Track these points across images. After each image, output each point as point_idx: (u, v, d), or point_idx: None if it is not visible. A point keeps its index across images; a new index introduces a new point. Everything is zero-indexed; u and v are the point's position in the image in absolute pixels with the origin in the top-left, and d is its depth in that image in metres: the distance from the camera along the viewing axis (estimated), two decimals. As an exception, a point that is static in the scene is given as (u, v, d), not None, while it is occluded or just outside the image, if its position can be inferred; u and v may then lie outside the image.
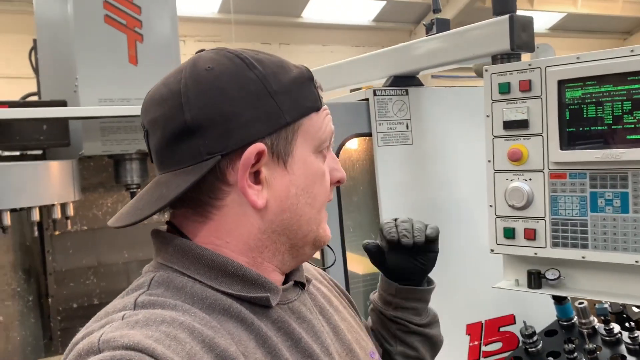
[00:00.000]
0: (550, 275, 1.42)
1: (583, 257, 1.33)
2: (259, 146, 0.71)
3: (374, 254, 1.12)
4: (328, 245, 0.99)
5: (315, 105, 0.78)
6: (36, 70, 2.38)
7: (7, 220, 1.79)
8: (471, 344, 1.83)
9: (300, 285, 0.83)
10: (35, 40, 2.35)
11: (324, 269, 1.02)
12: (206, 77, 0.71)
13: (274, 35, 9.46)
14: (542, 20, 11.30)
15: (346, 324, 0.88)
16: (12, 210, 1.83)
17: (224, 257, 0.73)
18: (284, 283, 0.81)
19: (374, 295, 1.16)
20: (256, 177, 0.73)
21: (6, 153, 2.41)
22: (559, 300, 1.76)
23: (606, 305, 1.68)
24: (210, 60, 0.73)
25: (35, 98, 2.43)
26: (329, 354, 0.78)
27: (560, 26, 11.58)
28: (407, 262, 1.07)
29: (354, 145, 1.87)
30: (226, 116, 0.70)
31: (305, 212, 0.76)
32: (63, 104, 1.99)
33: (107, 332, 0.60)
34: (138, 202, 0.74)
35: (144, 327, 0.61)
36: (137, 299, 0.67)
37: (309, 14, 9.71)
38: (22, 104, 1.98)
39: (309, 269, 0.93)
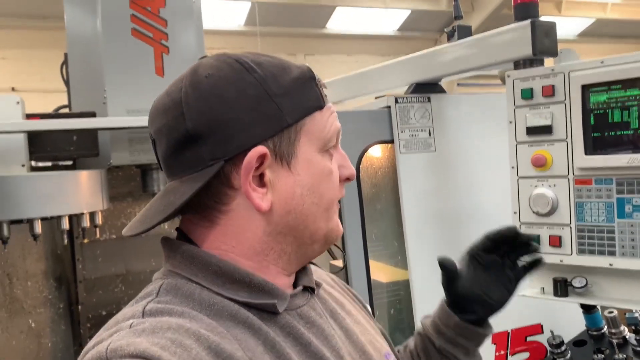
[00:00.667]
0: (576, 283, 1.39)
1: (610, 265, 1.31)
2: (260, 149, 0.71)
3: (450, 272, 1.02)
4: (339, 248, 1.01)
5: (317, 104, 0.77)
6: (67, 83, 2.45)
7: (39, 228, 1.84)
8: (497, 354, 1.80)
9: (310, 289, 0.83)
10: (66, 55, 2.41)
11: (336, 273, 1.02)
12: (205, 84, 0.72)
13: (299, 47, 9.54)
14: (571, 27, 11.12)
15: (359, 327, 0.87)
16: (43, 219, 1.88)
17: (230, 264, 0.73)
18: (295, 286, 0.81)
19: (426, 320, 1.06)
20: (260, 180, 0.73)
21: (39, 164, 2.48)
22: (587, 309, 1.71)
23: (637, 314, 1.63)
24: (210, 67, 0.74)
25: (66, 110, 2.50)
26: (340, 356, 0.77)
27: (590, 32, 11.38)
28: (487, 285, 0.99)
29: (377, 152, 1.88)
30: (226, 121, 0.71)
31: (312, 212, 0.76)
32: (92, 115, 2.04)
33: (115, 341, 0.62)
34: (148, 210, 0.76)
35: (150, 334, 0.62)
36: (145, 307, 0.68)
37: (334, 25, 9.76)
38: (53, 115, 2.04)
39: (320, 274, 0.93)
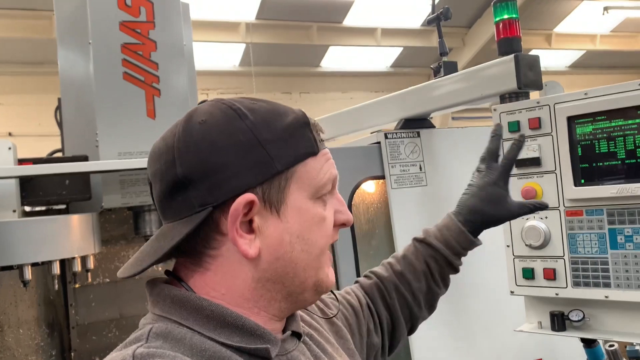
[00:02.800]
0: (574, 316, 1.37)
1: (606, 297, 1.29)
2: (247, 196, 0.71)
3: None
4: (332, 292, 0.99)
5: (310, 151, 0.76)
6: (60, 127, 2.47)
7: (29, 274, 1.82)
8: (498, 391, 1.75)
9: (297, 334, 0.82)
10: (59, 99, 2.44)
11: (328, 318, 0.99)
12: (197, 130, 0.73)
13: (294, 85, 9.67)
14: (562, 59, 11.32)
15: None
16: (34, 265, 1.85)
17: (223, 307, 0.72)
18: (283, 331, 0.80)
19: (434, 239, 1.11)
20: (249, 226, 0.73)
21: (34, 209, 2.47)
22: (588, 343, 1.68)
23: (637, 347, 1.60)
24: (204, 113, 0.75)
25: (60, 154, 2.50)
26: None
27: (580, 63, 11.57)
28: (494, 202, 1.09)
29: (369, 188, 1.87)
30: (216, 168, 0.71)
31: (302, 259, 0.75)
32: (84, 158, 2.05)
33: None
34: (141, 253, 0.76)
35: None
36: (135, 351, 0.66)
37: (328, 63, 9.92)
38: (45, 160, 2.04)
39: (304, 316, 0.91)
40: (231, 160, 0.71)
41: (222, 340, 0.70)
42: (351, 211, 1.74)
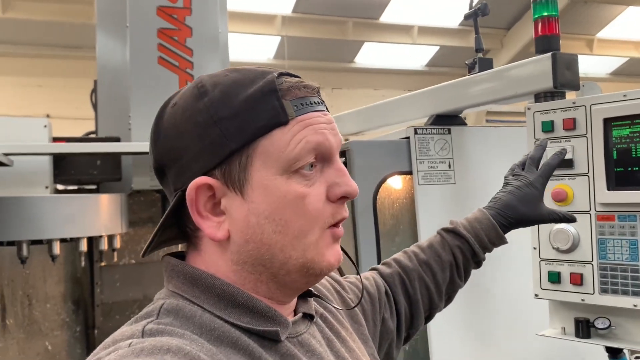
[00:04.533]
0: (599, 324, 1.33)
1: (635, 306, 1.25)
2: (199, 180, 0.68)
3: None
4: (359, 275, 0.97)
5: (275, 121, 0.69)
6: (95, 109, 2.52)
7: (57, 249, 1.86)
8: (517, 397, 1.72)
9: (309, 316, 0.80)
10: (95, 82, 2.49)
11: (347, 309, 0.96)
12: (168, 115, 0.72)
13: (326, 80, 9.65)
14: (603, 65, 11.02)
15: (354, 355, 0.84)
16: (62, 240, 1.90)
17: (234, 287, 0.70)
18: (295, 312, 0.79)
19: (463, 229, 1.11)
20: (218, 208, 0.70)
21: (67, 187, 2.53)
22: (613, 353, 1.63)
23: (666, 361, 1.55)
24: (178, 95, 0.73)
25: (93, 136, 2.55)
26: None
27: (623, 71, 11.25)
28: (527, 201, 1.11)
29: (396, 184, 1.86)
30: (179, 152, 0.70)
31: (276, 241, 0.69)
32: (116, 140, 2.09)
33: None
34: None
35: (149, 355, 0.59)
36: (145, 327, 0.65)
37: (362, 59, 9.88)
38: (78, 139, 2.09)
39: (323, 294, 0.89)
40: (191, 143, 0.69)
41: (231, 320, 0.69)
42: (375, 207, 1.73)
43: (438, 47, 9.81)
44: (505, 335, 1.72)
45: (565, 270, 1.36)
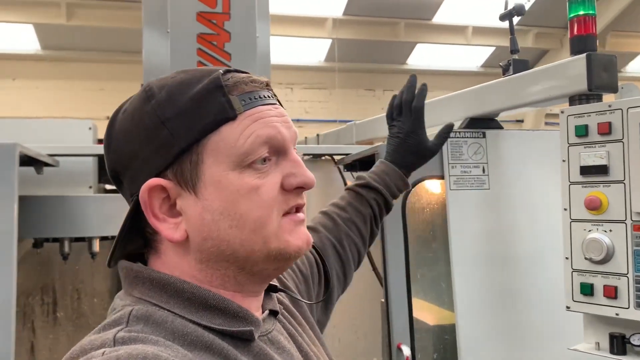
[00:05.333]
0: (636, 340, 1.26)
1: (672, 322, 1.17)
2: (150, 183, 0.68)
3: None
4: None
5: (222, 117, 0.68)
6: (141, 112, 2.61)
7: (97, 247, 1.94)
8: (551, 413, 1.65)
9: (273, 312, 0.79)
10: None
11: (316, 303, 0.97)
12: (119, 121, 0.72)
13: (378, 82, 9.59)
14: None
15: (314, 349, 0.83)
16: (102, 238, 1.98)
17: (204, 290, 0.69)
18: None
19: (375, 182, 1.18)
20: (174, 209, 0.69)
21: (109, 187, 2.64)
22: (655, 372, 1.54)
23: None
24: (129, 101, 0.73)
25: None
26: None
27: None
28: (421, 147, 1.23)
29: (426, 188, 1.82)
30: (131, 157, 0.70)
31: (234, 236, 0.68)
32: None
33: None
34: None
35: None
36: (116, 335, 0.63)
37: (415, 61, 9.75)
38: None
39: (286, 286, 0.89)
40: (141, 147, 0.68)
41: (204, 323, 0.67)
42: (404, 213, 1.70)
43: (494, 48, 9.55)
44: (537, 347, 1.65)
45: (598, 282, 1.30)
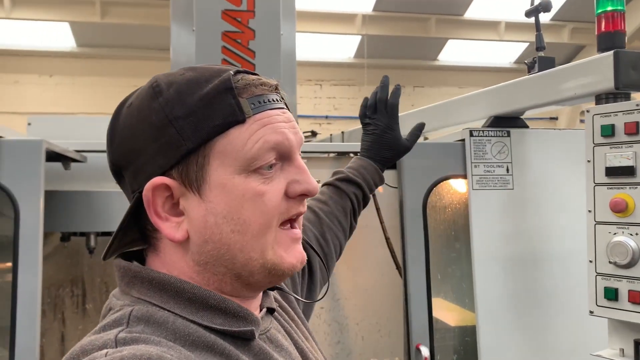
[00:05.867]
0: (661, 348, 1.22)
1: (700, 331, 1.13)
2: (155, 181, 0.67)
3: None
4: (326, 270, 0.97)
5: (231, 120, 0.67)
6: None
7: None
8: (575, 419, 1.61)
9: (270, 309, 0.79)
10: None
11: (316, 301, 0.98)
12: (123, 116, 0.71)
13: (408, 78, 9.50)
14: None
15: (308, 345, 0.83)
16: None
17: (205, 290, 0.69)
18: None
19: (354, 177, 1.20)
20: (177, 209, 0.69)
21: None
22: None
23: None
24: (134, 95, 0.72)
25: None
26: None
27: None
28: (395, 142, 1.26)
29: (449, 188, 1.80)
30: (135, 154, 0.68)
31: (235, 241, 0.68)
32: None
33: None
34: None
35: None
36: (117, 336, 0.62)
37: (446, 57, 9.62)
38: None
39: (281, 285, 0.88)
40: (146, 144, 0.67)
41: (205, 323, 0.67)
42: (425, 212, 1.68)
43: (527, 44, 9.35)
44: (560, 352, 1.61)
45: (623, 287, 1.26)
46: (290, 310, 0.88)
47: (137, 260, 0.74)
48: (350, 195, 1.18)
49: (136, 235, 0.74)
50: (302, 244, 1.03)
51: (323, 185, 1.21)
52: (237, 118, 0.67)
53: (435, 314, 1.67)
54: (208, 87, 0.68)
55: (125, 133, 0.70)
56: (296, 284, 0.99)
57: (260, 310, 0.78)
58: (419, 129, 1.34)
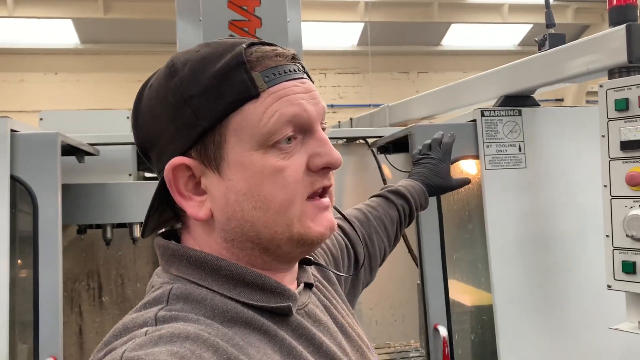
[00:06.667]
0: (680, 319, 1.22)
1: None
2: (175, 161, 0.67)
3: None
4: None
5: (244, 96, 0.65)
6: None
7: (137, 232, 1.99)
8: (594, 393, 1.62)
9: (308, 285, 0.79)
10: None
11: (347, 275, 0.98)
12: (145, 97, 0.71)
13: (412, 65, 9.45)
14: None
15: (348, 320, 0.83)
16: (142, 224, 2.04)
17: (241, 267, 0.69)
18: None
19: (405, 190, 1.23)
20: (200, 188, 0.69)
21: (148, 175, 2.71)
22: None
23: None
24: (155, 76, 0.71)
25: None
26: (347, 354, 0.74)
27: None
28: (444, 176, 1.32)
29: (463, 168, 1.80)
30: (157, 135, 0.69)
31: (258, 217, 0.67)
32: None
33: (131, 349, 0.57)
34: None
35: (168, 343, 0.58)
36: (157, 314, 0.62)
37: (449, 42, 9.55)
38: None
39: (318, 260, 0.89)
40: (166, 125, 0.67)
41: (242, 299, 0.67)
42: (439, 191, 1.69)
43: (531, 25, 9.27)
44: (578, 327, 1.62)
45: (640, 260, 1.26)
46: (331, 289, 0.88)
47: (175, 239, 0.75)
48: (398, 206, 1.20)
49: (171, 215, 0.75)
50: (351, 238, 1.06)
51: (372, 197, 1.23)
52: (251, 93, 0.66)
53: (451, 295, 1.68)
54: (220, 63, 0.66)
55: (147, 114, 0.70)
56: (340, 271, 0.99)
57: (298, 285, 0.78)
58: (465, 182, 1.40)
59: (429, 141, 1.38)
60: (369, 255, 1.10)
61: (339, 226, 1.06)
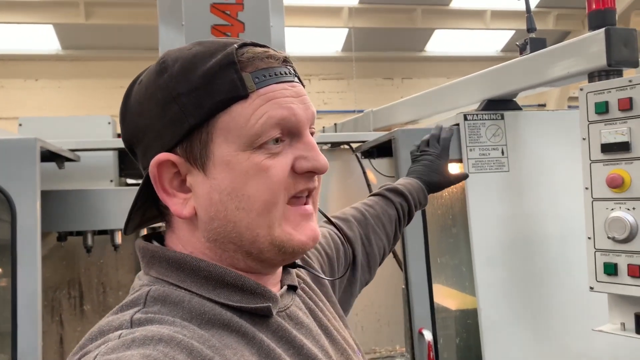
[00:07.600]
0: (662, 320, 1.23)
1: (700, 300, 1.14)
2: (159, 158, 0.67)
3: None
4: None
5: (233, 95, 0.65)
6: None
7: (119, 239, 1.97)
8: (577, 395, 1.63)
9: (292, 287, 0.78)
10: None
11: (330, 279, 0.95)
12: (134, 93, 0.71)
13: (396, 70, 9.52)
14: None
15: (334, 323, 0.82)
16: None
17: (221, 267, 0.68)
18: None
19: (404, 189, 1.23)
20: (184, 185, 0.68)
21: (138, 181, 2.67)
22: (685, 353, 1.51)
23: None
24: (145, 72, 0.71)
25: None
26: (329, 356, 0.73)
27: None
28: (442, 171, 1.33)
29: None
30: (144, 130, 0.69)
31: (240, 218, 0.66)
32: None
33: (103, 353, 0.56)
34: None
35: (141, 345, 0.57)
36: (133, 317, 0.62)
37: (433, 48, 9.64)
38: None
39: (306, 262, 0.88)
40: (153, 121, 0.67)
41: (221, 300, 0.67)
42: (425, 196, 1.69)
43: (514, 32, 9.39)
44: (561, 329, 1.63)
45: (622, 262, 1.27)
46: (320, 292, 0.87)
47: (157, 241, 0.74)
48: (397, 204, 1.20)
49: (155, 212, 0.74)
50: (349, 237, 1.05)
51: (370, 195, 1.23)
52: (240, 93, 0.65)
53: (435, 299, 1.68)
54: (211, 62, 0.66)
55: (135, 110, 0.70)
56: (334, 271, 0.98)
57: (281, 287, 0.77)
58: (464, 177, 1.42)
59: (427, 137, 1.38)
60: (366, 254, 1.09)
61: (335, 226, 1.05)
